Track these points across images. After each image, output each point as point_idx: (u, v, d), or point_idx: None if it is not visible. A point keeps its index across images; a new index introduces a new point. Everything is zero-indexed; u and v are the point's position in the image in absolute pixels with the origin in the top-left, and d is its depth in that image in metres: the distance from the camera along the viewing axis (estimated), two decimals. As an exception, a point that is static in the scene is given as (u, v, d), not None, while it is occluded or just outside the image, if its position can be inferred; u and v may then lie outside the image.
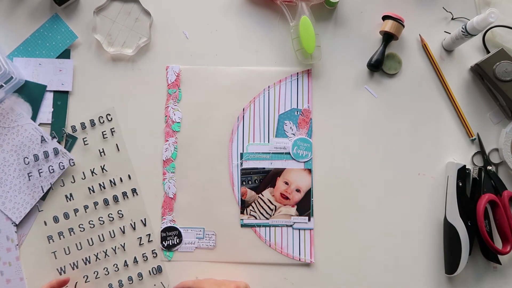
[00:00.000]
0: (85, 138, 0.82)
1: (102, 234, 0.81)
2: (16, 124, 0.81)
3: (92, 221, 0.81)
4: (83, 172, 0.82)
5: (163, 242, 0.81)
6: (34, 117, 0.81)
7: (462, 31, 0.79)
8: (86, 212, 0.81)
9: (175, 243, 0.81)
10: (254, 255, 0.81)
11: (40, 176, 0.80)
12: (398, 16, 0.81)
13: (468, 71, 0.85)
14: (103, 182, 0.82)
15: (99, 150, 0.82)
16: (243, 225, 0.81)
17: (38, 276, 0.80)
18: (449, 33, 0.84)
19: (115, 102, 0.83)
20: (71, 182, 0.81)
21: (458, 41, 0.81)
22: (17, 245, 0.80)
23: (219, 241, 0.81)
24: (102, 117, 0.82)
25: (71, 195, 0.81)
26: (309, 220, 0.81)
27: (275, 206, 0.82)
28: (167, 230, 0.81)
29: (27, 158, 0.80)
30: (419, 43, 0.85)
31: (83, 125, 0.82)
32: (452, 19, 0.86)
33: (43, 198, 0.80)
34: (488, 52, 0.84)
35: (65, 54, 0.83)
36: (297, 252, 0.81)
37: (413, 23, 0.85)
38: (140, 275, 0.80)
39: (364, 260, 0.81)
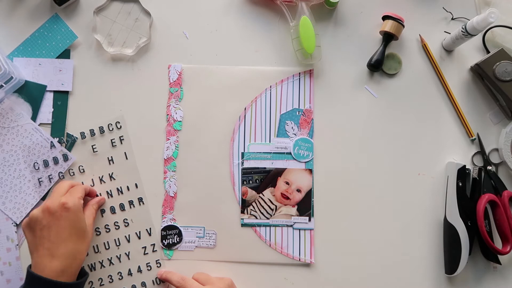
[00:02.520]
0: (94, 145, 0.82)
1: (108, 242, 0.80)
2: (16, 124, 0.81)
3: (99, 228, 0.80)
4: (92, 179, 0.81)
5: (163, 241, 0.81)
6: (34, 117, 0.81)
7: (462, 31, 0.79)
8: None
9: (175, 241, 0.81)
10: (254, 255, 0.81)
11: (39, 177, 0.80)
12: (398, 16, 0.81)
13: (468, 71, 0.85)
14: (110, 190, 0.81)
15: (108, 158, 0.82)
16: (243, 225, 0.81)
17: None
18: (449, 33, 0.84)
19: (115, 102, 0.83)
20: None
21: (458, 41, 0.81)
22: (17, 245, 0.79)
23: (219, 240, 0.81)
24: (111, 124, 0.82)
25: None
26: (309, 220, 0.81)
27: (276, 206, 0.82)
28: (167, 228, 0.81)
29: (26, 161, 0.80)
30: (419, 43, 0.85)
31: (92, 132, 0.82)
32: (452, 19, 0.86)
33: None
34: (488, 52, 0.84)
35: (65, 54, 0.83)
36: (297, 252, 0.81)
37: (413, 23, 0.85)
38: (143, 284, 0.80)
39: (364, 260, 0.81)
